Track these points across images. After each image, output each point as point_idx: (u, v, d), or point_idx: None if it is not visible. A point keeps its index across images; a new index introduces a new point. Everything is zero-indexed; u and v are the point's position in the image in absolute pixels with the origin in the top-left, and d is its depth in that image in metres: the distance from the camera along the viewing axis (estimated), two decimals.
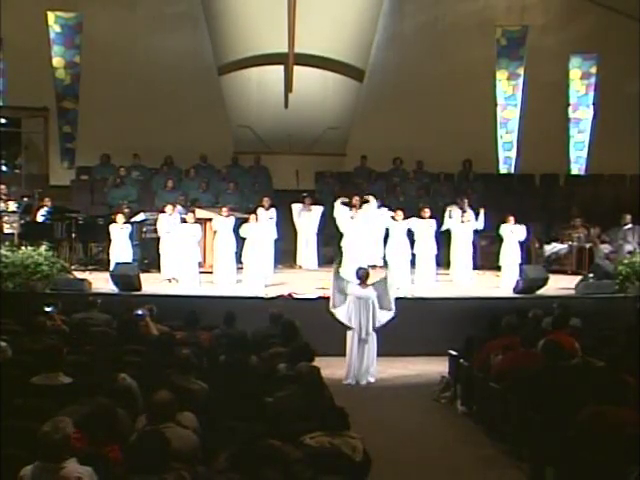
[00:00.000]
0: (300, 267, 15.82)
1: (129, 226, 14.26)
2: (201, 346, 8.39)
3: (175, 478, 4.59)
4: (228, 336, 8.72)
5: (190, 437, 5.34)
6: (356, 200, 14.94)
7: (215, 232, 14.21)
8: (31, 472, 4.58)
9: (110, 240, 14.15)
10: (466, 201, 15.01)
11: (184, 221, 13.92)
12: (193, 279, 13.58)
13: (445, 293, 13.27)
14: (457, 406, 9.41)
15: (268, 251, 14.21)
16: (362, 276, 10.66)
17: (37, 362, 6.72)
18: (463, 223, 14.41)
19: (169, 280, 13.93)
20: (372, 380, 10.65)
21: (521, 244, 14.41)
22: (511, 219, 14.18)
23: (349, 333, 10.61)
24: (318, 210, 15.87)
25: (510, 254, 14.09)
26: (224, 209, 14.24)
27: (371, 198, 14.88)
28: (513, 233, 14.18)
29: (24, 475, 4.59)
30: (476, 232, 14.67)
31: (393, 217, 14.23)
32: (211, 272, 14.13)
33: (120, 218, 14.18)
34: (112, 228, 14.08)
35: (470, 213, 14.58)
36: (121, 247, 14.01)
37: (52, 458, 4.55)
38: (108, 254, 14.23)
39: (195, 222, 13.87)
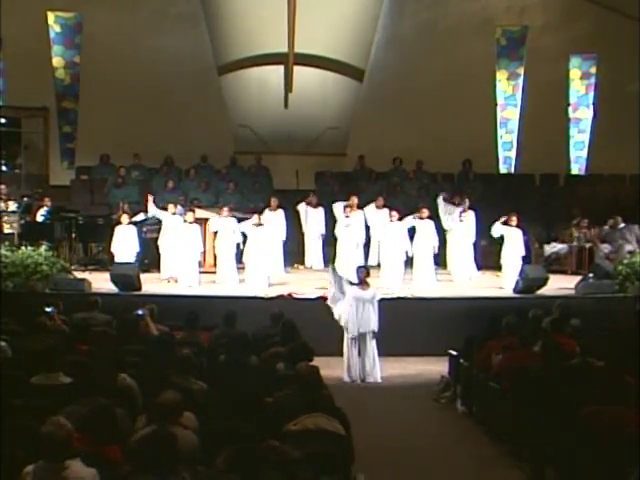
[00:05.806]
0: (311, 267, 15.73)
1: (133, 227, 14.25)
2: (201, 346, 8.39)
3: (175, 478, 4.58)
4: (228, 336, 8.71)
5: (190, 437, 5.33)
6: (354, 201, 14.93)
7: (215, 233, 14.22)
8: (33, 471, 4.58)
9: (110, 240, 14.13)
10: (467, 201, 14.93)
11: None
12: (193, 279, 13.58)
13: (445, 293, 13.26)
14: (457, 406, 9.41)
15: (275, 251, 14.26)
16: (362, 277, 10.65)
17: (37, 362, 6.72)
18: (462, 222, 14.32)
19: (167, 280, 13.94)
20: (379, 381, 10.64)
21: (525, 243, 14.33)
22: (514, 219, 13.79)
23: (346, 335, 10.61)
24: (322, 210, 15.81)
25: (513, 254, 13.73)
26: (224, 209, 14.23)
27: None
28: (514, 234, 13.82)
29: (26, 474, 4.59)
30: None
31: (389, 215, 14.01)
32: (211, 272, 14.13)
33: (125, 218, 14.19)
34: (117, 229, 14.08)
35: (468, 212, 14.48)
36: (125, 247, 14.01)
37: (55, 457, 4.55)
38: (108, 254, 14.20)
39: (193, 222, 13.84)
